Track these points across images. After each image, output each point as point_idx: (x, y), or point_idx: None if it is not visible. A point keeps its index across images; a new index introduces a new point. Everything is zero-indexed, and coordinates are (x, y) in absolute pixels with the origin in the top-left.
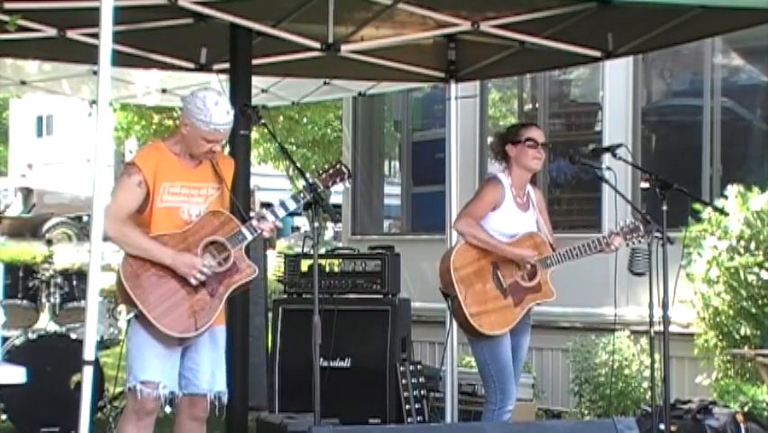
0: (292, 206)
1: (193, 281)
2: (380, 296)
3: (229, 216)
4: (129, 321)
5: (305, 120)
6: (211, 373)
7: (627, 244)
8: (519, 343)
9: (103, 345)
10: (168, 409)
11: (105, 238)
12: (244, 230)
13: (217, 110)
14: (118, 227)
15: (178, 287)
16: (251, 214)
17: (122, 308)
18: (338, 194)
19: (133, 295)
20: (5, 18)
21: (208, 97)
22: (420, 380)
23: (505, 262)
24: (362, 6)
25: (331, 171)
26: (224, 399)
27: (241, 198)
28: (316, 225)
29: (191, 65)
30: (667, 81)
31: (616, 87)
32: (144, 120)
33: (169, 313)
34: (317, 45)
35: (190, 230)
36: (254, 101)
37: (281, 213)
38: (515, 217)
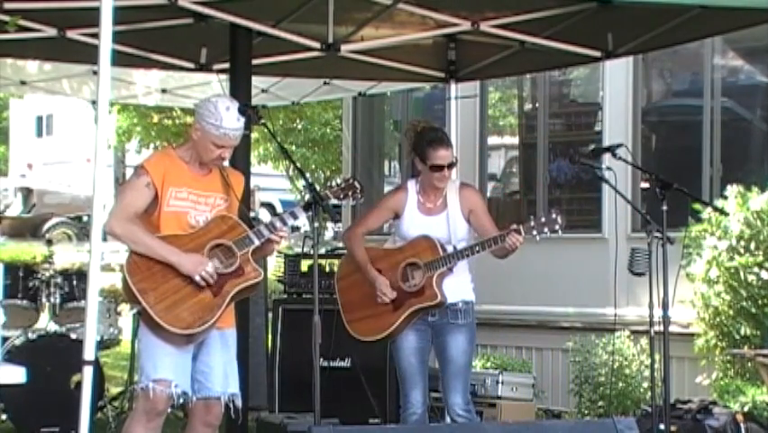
0: (301, 215)
1: (197, 279)
2: None
3: (237, 220)
4: (134, 320)
5: (304, 120)
6: (224, 376)
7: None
8: (446, 343)
9: (103, 345)
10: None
11: (108, 236)
12: (252, 235)
13: (228, 115)
14: (124, 225)
15: (181, 285)
16: (263, 223)
17: (122, 307)
18: None
19: (136, 291)
20: (5, 18)
21: (220, 102)
22: None
23: (389, 269)
24: (362, 6)
25: (343, 186)
26: (238, 401)
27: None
28: (316, 225)
29: (191, 65)
30: (667, 81)
31: (616, 87)
32: (145, 122)
33: (171, 310)
34: (317, 45)
35: (197, 233)
36: (254, 101)
37: (290, 221)
38: (419, 223)
